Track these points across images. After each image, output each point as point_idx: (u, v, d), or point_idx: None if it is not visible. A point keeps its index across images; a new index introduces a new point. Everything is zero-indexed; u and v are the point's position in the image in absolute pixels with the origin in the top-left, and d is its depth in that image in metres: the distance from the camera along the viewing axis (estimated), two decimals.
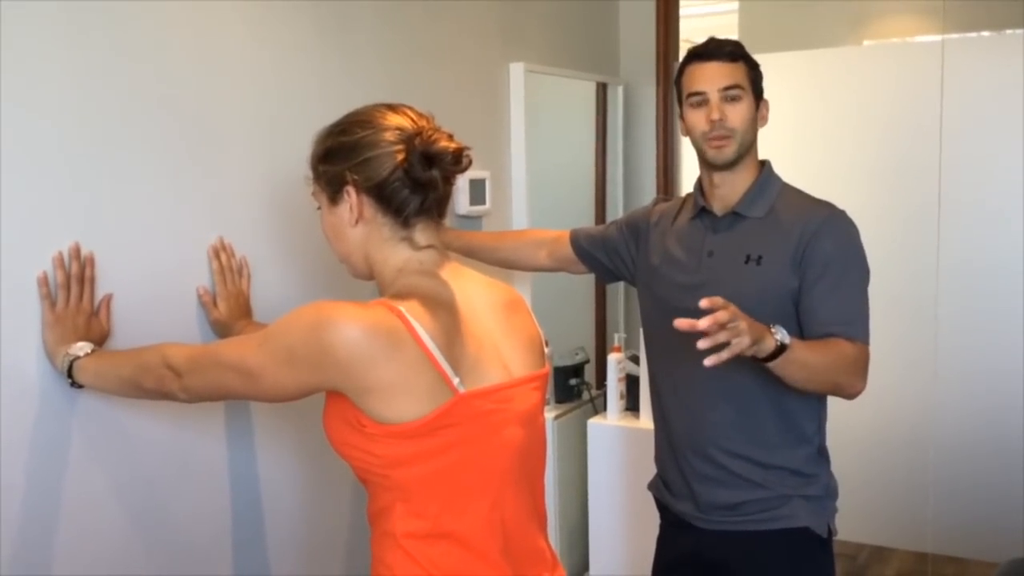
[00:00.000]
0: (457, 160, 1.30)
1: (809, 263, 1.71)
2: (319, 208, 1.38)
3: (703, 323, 1.38)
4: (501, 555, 1.31)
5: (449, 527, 1.28)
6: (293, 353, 1.22)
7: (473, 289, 1.36)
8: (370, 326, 1.20)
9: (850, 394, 1.70)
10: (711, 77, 1.76)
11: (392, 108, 1.33)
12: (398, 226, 1.32)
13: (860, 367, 1.68)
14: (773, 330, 1.52)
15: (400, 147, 1.28)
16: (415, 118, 1.32)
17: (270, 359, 1.23)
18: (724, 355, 1.41)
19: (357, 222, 1.33)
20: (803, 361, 1.58)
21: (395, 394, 1.21)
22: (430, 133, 1.29)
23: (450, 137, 1.31)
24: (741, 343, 1.42)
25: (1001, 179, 3.10)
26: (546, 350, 2.88)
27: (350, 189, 1.31)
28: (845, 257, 1.73)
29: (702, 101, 1.77)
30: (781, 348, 1.52)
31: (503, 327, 1.36)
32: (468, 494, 1.29)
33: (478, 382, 1.28)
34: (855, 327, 1.70)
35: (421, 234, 1.34)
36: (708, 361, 1.40)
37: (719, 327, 1.38)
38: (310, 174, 1.38)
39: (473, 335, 1.30)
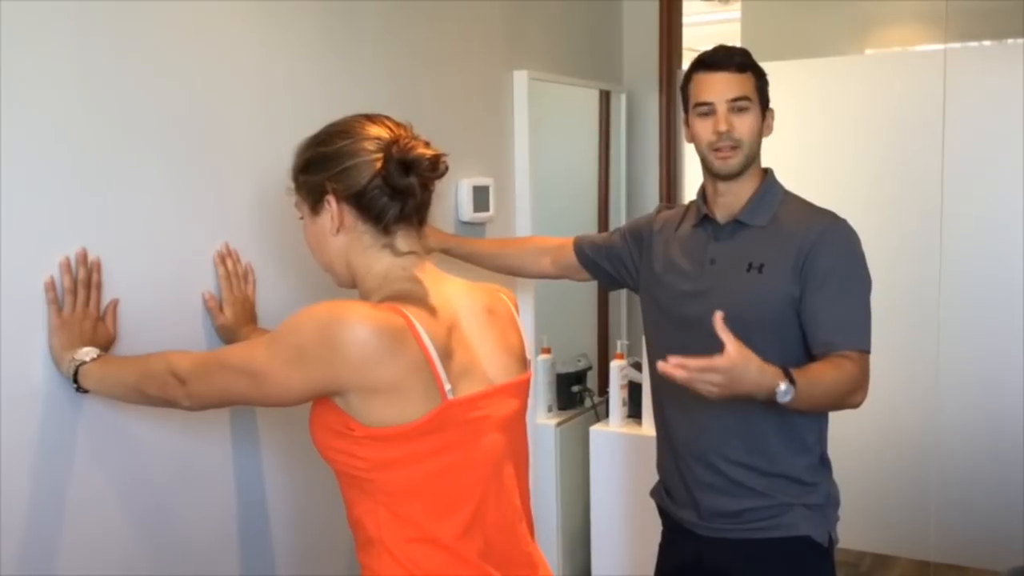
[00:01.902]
0: (434, 166, 1.32)
1: (810, 272, 1.71)
2: (301, 218, 1.40)
3: (681, 375, 1.44)
4: (480, 558, 1.32)
5: (432, 531, 1.29)
6: (303, 352, 1.22)
7: (453, 293, 1.37)
8: (379, 325, 1.22)
9: (852, 407, 1.70)
10: (720, 88, 1.76)
11: (370, 118, 1.36)
12: (379, 233, 1.34)
13: (862, 380, 1.68)
14: (778, 391, 1.49)
15: (378, 155, 1.31)
16: (393, 127, 1.34)
17: (278, 359, 1.24)
18: (682, 375, 1.45)
19: (338, 231, 1.34)
20: (806, 398, 1.55)
21: (393, 396, 1.23)
22: (407, 141, 1.32)
23: (427, 144, 1.34)
24: (709, 392, 1.46)
25: (1003, 188, 3.10)
26: (546, 357, 2.89)
27: (330, 198, 1.33)
28: (846, 266, 1.73)
29: (709, 111, 1.78)
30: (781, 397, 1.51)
31: (483, 333, 1.37)
32: (451, 499, 1.30)
33: (465, 389, 1.29)
34: (857, 337, 1.70)
35: (402, 241, 1.35)
36: (660, 366, 1.45)
37: (693, 371, 1.44)
38: (291, 185, 1.40)
39: (462, 340, 1.31)
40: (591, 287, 2.80)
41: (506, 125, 2.70)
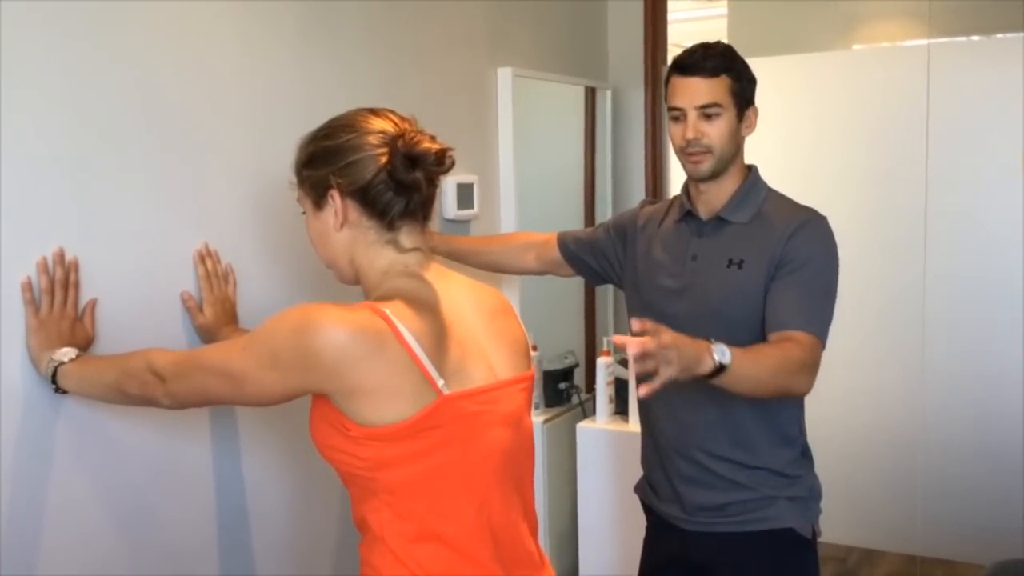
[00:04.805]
0: (440, 161, 1.31)
1: (781, 263, 1.72)
2: (304, 214, 1.38)
3: (631, 348, 1.32)
4: (491, 558, 1.32)
5: (437, 529, 1.28)
6: (277, 356, 1.22)
7: (458, 291, 1.36)
8: (355, 329, 1.21)
9: (798, 395, 1.68)
10: (689, 94, 1.76)
11: (375, 112, 1.34)
12: (383, 229, 1.33)
13: (808, 366, 1.62)
14: (713, 349, 1.44)
15: (383, 150, 1.29)
16: (397, 121, 1.33)
17: (254, 363, 1.23)
18: (655, 384, 1.34)
19: (342, 226, 1.33)
20: (746, 374, 1.50)
21: (380, 396, 1.22)
22: (412, 135, 1.30)
23: (432, 138, 1.32)
24: (667, 371, 1.34)
25: (987, 184, 3.11)
26: (533, 354, 2.89)
27: (334, 193, 1.31)
28: (815, 260, 1.73)
29: (680, 116, 1.78)
30: (720, 367, 1.44)
31: (488, 329, 1.37)
32: (455, 496, 1.29)
33: (463, 384, 1.28)
34: (811, 322, 1.66)
35: (406, 237, 1.34)
36: (640, 392, 1.34)
37: (644, 354, 1.32)
38: (294, 180, 1.38)
39: (458, 337, 1.30)
40: (577, 284, 2.80)
41: (490, 122, 2.69)
